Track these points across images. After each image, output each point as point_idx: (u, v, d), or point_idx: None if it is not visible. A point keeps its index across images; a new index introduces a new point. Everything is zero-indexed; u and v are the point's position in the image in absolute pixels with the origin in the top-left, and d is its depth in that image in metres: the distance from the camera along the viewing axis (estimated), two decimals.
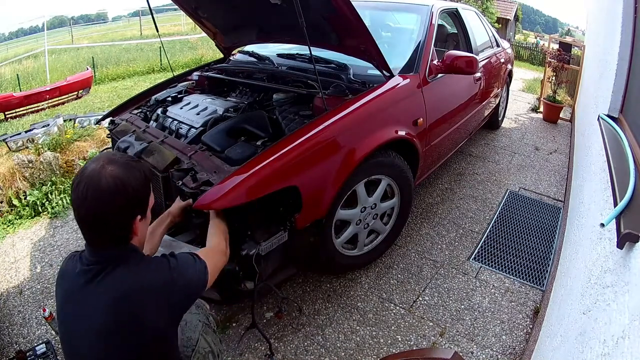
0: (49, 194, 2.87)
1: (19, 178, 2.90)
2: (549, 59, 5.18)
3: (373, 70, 2.03)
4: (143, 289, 0.88)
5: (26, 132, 3.29)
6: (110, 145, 2.60)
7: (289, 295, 1.96)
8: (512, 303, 1.97)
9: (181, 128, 1.94)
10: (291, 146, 1.51)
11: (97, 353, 0.86)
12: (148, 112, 2.24)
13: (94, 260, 0.89)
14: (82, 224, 0.87)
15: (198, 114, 1.98)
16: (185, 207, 1.44)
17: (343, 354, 1.68)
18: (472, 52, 2.83)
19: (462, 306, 1.94)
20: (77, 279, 0.89)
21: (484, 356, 1.68)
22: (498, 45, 3.77)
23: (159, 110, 2.16)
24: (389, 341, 1.74)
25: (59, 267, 2.20)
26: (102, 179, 0.84)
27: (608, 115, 1.70)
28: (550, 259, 2.30)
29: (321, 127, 1.62)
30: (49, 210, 2.77)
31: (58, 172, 3.05)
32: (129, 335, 0.86)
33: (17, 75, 7.79)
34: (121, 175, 0.86)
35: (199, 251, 1.06)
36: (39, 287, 2.11)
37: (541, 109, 5.20)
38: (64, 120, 3.55)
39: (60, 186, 2.95)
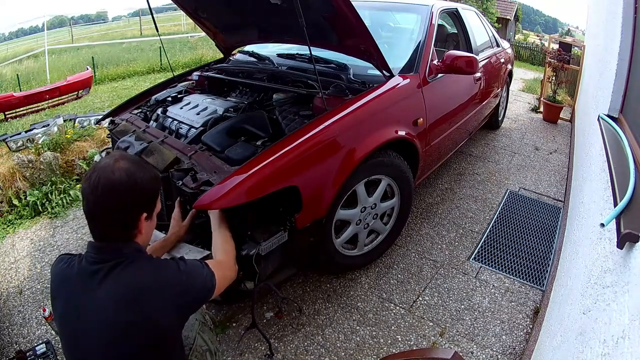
0: (49, 194, 2.87)
1: (19, 178, 2.90)
2: (549, 59, 5.18)
3: (373, 70, 2.03)
4: (152, 289, 0.88)
5: (26, 132, 3.28)
6: (110, 145, 2.60)
7: (289, 295, 1.96)
8: (512, 303, 1.97)
9: (181, 128, 1.94)
10: (291, 146, 1.51)
11: (106, 352, 0.86)
12: (148, 112, 2.24)
13: (100, 258, 0.89)
14: (90, 214, 0.89)
15: (198, 114, 1.98)
16: (192, 218, 1.45)
17: (343, 354, 1.68)
18: (472, 52, 2.83)
19: (462, 306, 1.94)
20: (81, 279, 0.89)
21: (484, 356, 1.68)
22: (498, 45, 3.77)
23: (159, 110, 2.16)
24: (389, 341, 1.74)
25: None
26: (115, 172, 0.87)
27: (608, 115, 1.70)
28: (550, 259, 2.30)
29: (321, 127, 1.62)
30: (49, 210, 2.77)
31: (58, 172, 3.06)
32: (140, 334, 0.86)
33: (17, 75, 7.78)
34: (133, 170, 0.90)
35: (209, 261, 1.06)
36: (39, 287, 2.11)
37: (541, 109, 5.19)
38: (64, 120, 3.54)
39: (60, 186, 2.95)
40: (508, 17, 21.56)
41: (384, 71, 1.98)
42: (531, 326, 1.84)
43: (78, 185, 3.03)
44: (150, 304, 0.87)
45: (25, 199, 2.82)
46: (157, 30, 2.51)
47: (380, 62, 1.92)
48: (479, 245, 2.40)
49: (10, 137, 3.16)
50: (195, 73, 2.69)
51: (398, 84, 2.01)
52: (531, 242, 2.46)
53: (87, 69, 7.27)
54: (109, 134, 2.32)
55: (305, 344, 1.72)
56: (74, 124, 3.58)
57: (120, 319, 0.85)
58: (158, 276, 0.91)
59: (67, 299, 0.92)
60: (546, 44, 7.40)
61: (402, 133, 1.93)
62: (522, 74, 8.50)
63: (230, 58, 2.85)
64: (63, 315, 0.93)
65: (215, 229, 1.31)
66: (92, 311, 0.87)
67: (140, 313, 0.86)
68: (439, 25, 2.55)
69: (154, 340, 0.89)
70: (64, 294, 0.93)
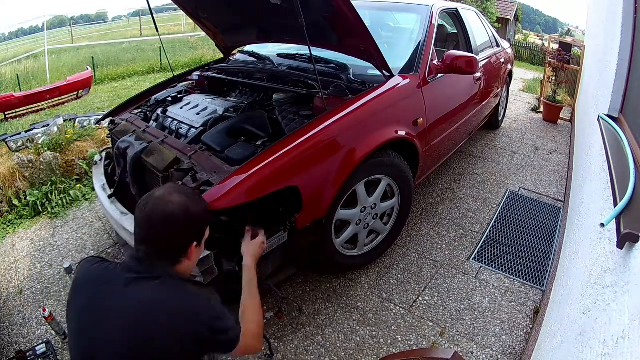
0: (49, 194, 2.87)
1: (19, 178, 2.90)
2: (549, 59, 5.18)
3: (373, 70, 2.03)
4: (179, 310, 0.90)
5: (26, 132, 3.28)
6: (110, 145, 2.60)
7: (289, 295, 1.96)
8: (512, 303, 1.97)
9: (181, 128, 1.94)
10: (291, 146, 1.51)
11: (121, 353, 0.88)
12: (148, 112, 2.24)
13: (140, 269, 0.93)
14: (143, 241, 0.94)
15: (198, 114, 1.98)
16: None
17: (343, 354, 1.68)
18: (472, 52, 2.83)
19: (462, 306, 1.94)
20: (113, 281, 0.92)
21: (484, 356, 1.68)
22: (498, 45, 3.77)
23: (159, 110, 2.16)
24: (389, 341, 1.74)
25: (59, 266, 2.21)
26: (169, 205, 0.93)
27: (608, 115, 1.70)
28: (550, 259, 2.30)
29: (321, 127, 1.62)
30: (49, 210, 2.77)
31: (58, 172, 3.05)
32: (153, 349, 0.87)
33: (17, 75, 7.77)
34: (187, 204, 0.95)
35: (242, 325, 1.04)
36: (39, 287, 2.11)
37: (541, 109, 5.19)
38: (64, 120, 3.54)
39: (60, 186, 2.95)
40: (508, 17, 21.56)
41: (384, 71, 1.98)
42: (531, 326, 1.84)
43: (78, 185, 3.03)
44: (173, 323, 0.89)
45: (25, 199, 2.82)
46: (157, 30, 2.51)
47: (380, 62, 1.92)
48: (479, 245, 2.40)
49: (10, 137, 3.16)
50: (195, 73, 2.69)
51: (398, 84, 2.01)
52: (531, 242, 2.46)
53: (87, 69, 7.27)
54: (109, 134, 2.32)
55: (305, 344, 1.72)
56: (74, 124, 3.58)
57: (143, 323, 0.88)
58: (192, 302, 0.93)
59: (92, 295, 0.93)
60: (546, 44, 7.40)
61: (402, 133, 1.93)
62: (522, 74, 8.50)
63: (230, 58, 2.85)
64: (83, 308, 0.93)
65: (246, 291, 1.20)
66: (117, 309, 0.89)
67: (160, 327, 0.88)
68: (439, 25, 2.55)
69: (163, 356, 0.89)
70: (91, 290, 0.95)
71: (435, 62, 2.25)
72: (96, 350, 0.88)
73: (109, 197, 1.92)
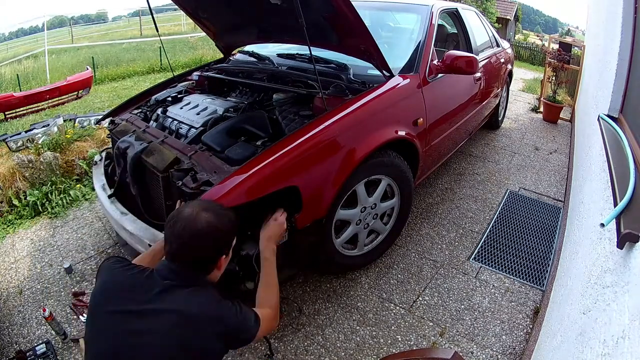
0: (49, 194, 2.87)
1: (19, 178, 2.90)
2: (549, 59, 5.18)
3: (373, 70, 2.03)
4: (210, 320, 0.97)
5: (26, 132, 3.28)
6: (110, 145, 2.60)
7: (289, 295, 1.96)
8: (512, 303, 1.97)
9: (181, 128, 1.94)
10: (291, 146, 1.51)
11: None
12: (148, 112, 2.24)
13: (172, 277, 0.98)
14: (174, 257, 1.00)
15: (198, 114, 1.98)
16: None
17: (343, 354, 1.68)
18: (472, 52, 2.83)
19: (462, 306, 1.94)
20: (144, 287, 0.97)
21: (484, 356, 1.68)
22: (498, 45, 3.77)
23: (159, 110, 2.16)
24: (389, 341, 1.74)
25: (59, 266, 2.22)
26: (198, 223, 0.98)
27: (608, 115, 1.70)
28: (550, 259, 2.30)
29: (321, 127, 1.62)
30: (49, 210, 2.77)
31: (58, 172, 3.05)
32: (186, 355, 0.93)
33: (17, 75, 7.77)
34: (214, 221, 1.01)
35: (259, 311, 1.14)
36: (39, 287, 2.11)
37: (541, 109, 5.19)
38: (64, 120, 3.54)
39: (60, 186, 2.95)
40: (508, 17, 21.56)
41: (384, 71, 1.98)
42: (531, 326, 1.84)
43: (78, 185, 3.03)
44: (205, 329, 0.95)
45: (25, 199, 2.82)
46: (157, 31, 2.51)
47: (380, 62, 1.92)
48: (479, 245, 2.40)
49: (10, 137, 3.16)
50: (195, 73, 2.69)
51: (398, 84, 2.01)
52: (531, 242, 2.46)
53: (87, 69, 7.27)
54: (109, 134, 2.32)
55: (305, 344, 1.72)
56: (74, 124, 3.58)
57: (176, 330, 0.92)
58: (220, 311, 1.00)
59: (125, 301, 0.97)
60: (546, 44, 7.41)
61: (402, 133, 1.93)
62: (522, 74, 8.50)
63: (230, 58, 2.85)
64: (117, 312, 0.96)
65: (262, 276, 1.33)
66: (150, 314, 0.94)
67: (193, 333, 0.93)
68: (439, 25, 2.55)
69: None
70: (122, 295, 0.98)
71: (435, 62, 2.25)
72: (134, 354, 0.92)
73: (109, 197, 1.92)
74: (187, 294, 0.97)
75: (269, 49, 2.71)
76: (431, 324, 1.83)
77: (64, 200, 2.86)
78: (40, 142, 3.13)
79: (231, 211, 1.13)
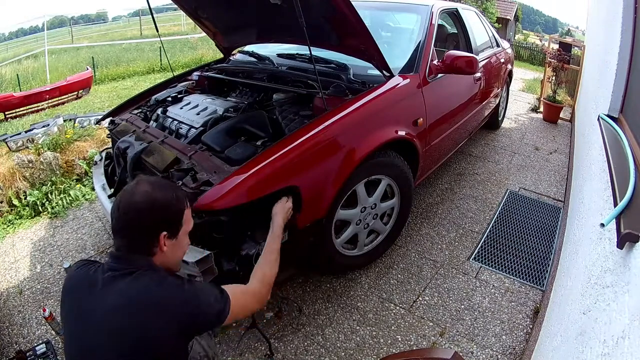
0: (49, 194, 2.87)
1: (19, 178, 2.90)
2: (549, 59, 5.18)
3: (373, 70, 2.03)
4: (155, 304, 0.91)
5: (26, 132, 3.29)
6: (110, 145, 2.60)
7: (289, 295, 1.96)
8: (512, 303, 1.97)
9: (181, 128, 1.94)
10: (291, 146, 1.51)
11: (106, 355, 0.88)
12: (148, 112, 2.24)
13: (116, 266, 0.95)
14: (114, 233, 0.97)
15: (198, 114, 1.98)
16: None
17: (343, 354, 1.68)
18: (472, 52, 2.83)
19: (462, 306, 1.94)
20: (93, 283, 0.94)
21: (484, 356, 1.68)
22: (498, 45, 3.77)
23: (159, 110, 2.16)
24: (389, 341, 1.74)
25: (59, 266, 2.22)
26: (135, 195, 0.95)
27: (608, 115, 1.69)
28: (550, 259, 2.30)
29: (321, 127, 1.62)
30: (49, 210, 2.77)
31: (58, 172, 3.05)
32: (137, 344, 0.88)
33: (17, 75, 7.78)
34: (152, 193, 0.96)
35: (232, 286, 1.07)
36: (39, 287, 2.11)
37: (541, 109, 5.19)
38: (64, 120, 3.54)
39: (60, 186, 2.95)
40: (508, 17, 21.56)
41: (384, 71, 1.98)
42: (531, 326, 1.84)
43: (78, 185, 3.03)
44: (150, 318, 0.89)
45: (25, 199, 2.82)
46: (157, 31, 2.51)
47: (380, 62, 1.92)
48: (479, 245, 2.40)
49: (10, 137, 3.16)
50: (195, 73, 2.69)
51: (398, 84, 2.01)
52: (531, 242, 2.46)
53: (87, 69, 7.27)
54: (109, 134, 2.32)
55: (305, 344, 1.72)
56: (74, 124, 3.59)
57: (122, 325, 0.88)
58: (163, 292, 0.93)
59: (75, 299, 0.96)
60: (546, 44, 7.40)
61: (402, 133, 1.93)
62: (522, 74, 8.50)
63: (230, 58, 2.85)
64: (68, 315, 0.96)
65: (268, 244, 1.31)
66: (96, 313, 0.90)
67: (139, 325, 0.88)
68: (439, 25, 2.55)
69: (153, 353, 0.89)
70: (74, 294, 0.97)
71: (435, 62, 2.25)
72: (86, 356, 0.90)
73: (109, 197, 1.92)
74: (128, 283, 0.91)
75: (269, 49, 2.71)
76: (431, 324, 1.83)
77: (64, 201, 2.86)
78: (40, 142, 3.13)
79: (181, 190, 1.09)
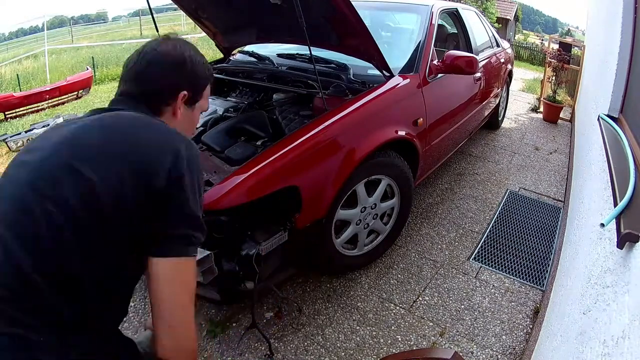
0: None
1: None
2: (549, 59, 5.19)
3: (373, 70, 2.03)
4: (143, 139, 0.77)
5: (26, 132, 3.29)
6: None
7: (289, 295, 1.96)
8: (512, 303, 1.97)
9: None
10: (291, 146, 1.51)
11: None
12: None
13: (102, 109, 0.86)
14: (124, 78, 0.87)
15: None
16: None
17: (343, 354, 1.68)
18: (472, 52, 2.83)
19: (462, 306, 1.94)
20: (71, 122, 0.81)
21: (484, 356, 1.68)
22: (498, 45, 3.77)
23: None
24: (389, 341, 1.74)
25: None
26: (163, 45, 0.86)
27: (608, 115, 1.69)
28: (550, 259, 2.30)
29: (321, 127, 1.62)
30: None
31: None
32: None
33: (17, 75, 7.79)
34: (183, 46, 0.88)
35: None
36: None
37: (541, 109, 5.20)
38: (64, 120, 3.54)
39: None
40: (508, 17, 21.58)
41: (384, 71, 1.98)
42: (531, 326, 1.84)
43: None
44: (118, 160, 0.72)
45: None
46: (157, 31, 2.49)
47: (380, 62, 1.92)
48: (479, 245, 2.40)
49: (10, 137, 3.17)
50: None
51: (398, 84, 2.01)
52: (531, 242, 2.46)
53: (87, 69, 7.28)
54: None
55: (305, 344, 1.72)
56: None
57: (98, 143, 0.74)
58: (148, 134, 0.78)
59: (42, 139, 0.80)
60: (546, 44, 7.41)
61: (402, 133, 1.93)
62: (522, 74, 8.50)
63: (230, 58, 2.84)
64: (29, 150, 0.78)
65: None
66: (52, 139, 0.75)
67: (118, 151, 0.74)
68: (439, 25, 2.55)
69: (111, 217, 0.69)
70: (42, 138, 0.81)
71: (435, 62, 2.25)
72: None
73: None
74: (126, 114, 0.82)
75: (269, 49, 2.71)
76: (431, 324, 1.83)
77: None
78: None
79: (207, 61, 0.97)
